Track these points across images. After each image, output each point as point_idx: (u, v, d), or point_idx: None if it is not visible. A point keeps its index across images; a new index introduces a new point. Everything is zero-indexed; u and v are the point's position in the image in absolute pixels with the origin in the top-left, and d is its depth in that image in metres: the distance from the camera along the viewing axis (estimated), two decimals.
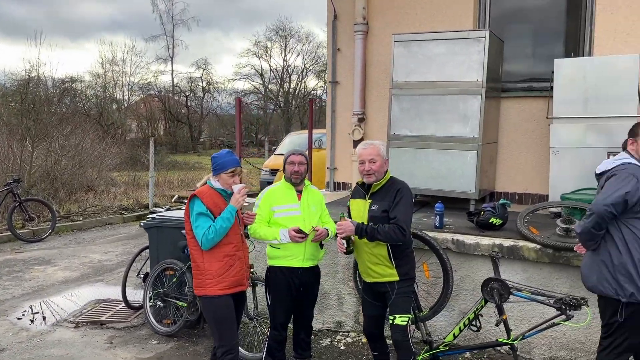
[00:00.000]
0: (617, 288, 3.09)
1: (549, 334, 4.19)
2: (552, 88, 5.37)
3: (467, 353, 4.41)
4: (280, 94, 38.73)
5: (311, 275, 4.01)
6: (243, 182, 3.68)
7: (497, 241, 4.40)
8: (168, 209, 5.83)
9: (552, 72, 5.32)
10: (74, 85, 28.44)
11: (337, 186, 7.26)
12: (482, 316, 3.97)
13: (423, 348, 4.09)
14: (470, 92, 5.34)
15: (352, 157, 6.85)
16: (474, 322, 3.94)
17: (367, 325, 3.89)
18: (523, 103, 6.06)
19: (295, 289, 3.92)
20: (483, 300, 3.88)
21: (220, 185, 3.53)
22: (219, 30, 57.29)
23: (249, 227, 3.88)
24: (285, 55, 38.08)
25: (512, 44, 6.24)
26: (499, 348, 4.33)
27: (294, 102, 36.86)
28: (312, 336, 4.76)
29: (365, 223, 3.60)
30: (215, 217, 3.43)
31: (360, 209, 3.69)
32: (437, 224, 4.78)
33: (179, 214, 5.23)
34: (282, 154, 5.57)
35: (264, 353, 4.04)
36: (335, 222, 3.71)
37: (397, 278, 3.61)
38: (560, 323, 3.60)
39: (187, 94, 37.75)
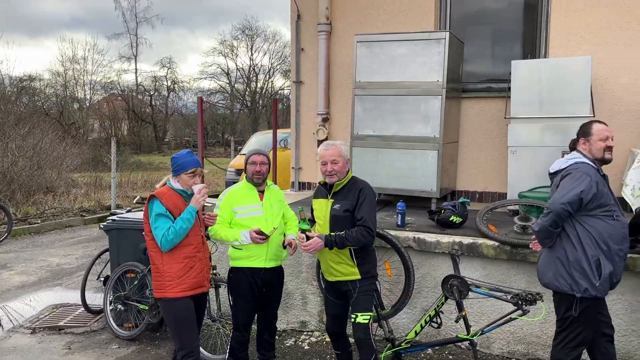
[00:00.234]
0: (572, 284, 3.19)
1: (507, 328, 4.29)
2: (510, 89, 5.51)
3: (429, 349, 4.48)
4: (247, 93, 38.47)
5: (274, 276, 4.00)
6: (205, 182, 3.65)
7: (457, 239, 4.49)
8: (129, 211, 5.73)
9: (510, 73, 5.46)
10: (33, 83, 27.62)
11: (302, 186, 7.26)
12: (442, 313, 4.03)
13: (386, 345, 4.13)
14: (431, 92, 5.43)
15: (316, 157, 6.81)
16: (434, 319, 4.00)
17: (330, 324, 3.91)
18: (483, 103, 6.19)
19: (258, 290, 3.90)
20: (443, 297, 3.95)
21: (180, 186, 3.49)
22: (184, 29, 56.55)
23: (209, 228, 3.85)
24: (252, 55, 37.89)
25: (472, 46, 6.37)
26: (459, 344, 4.42)
27: (260, 102, 36.69)
28: (276, 336, 4.75)
29: (328, 222, 3.62)
30: (175, 218, 3.38)
31: (323, 209, 3.71)
32: (399, 223, 4.84)
33: (140, 215, 5.14)
34: None
35: (227, 354, 4.01)
36: (300, 229, 3.68)
37: (359, 276, 3.64)
38: (517, 318, 3.69)
39: (152, 93, 37.13)
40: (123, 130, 33.48)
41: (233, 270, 3.95)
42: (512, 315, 3.70)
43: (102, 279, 5.42)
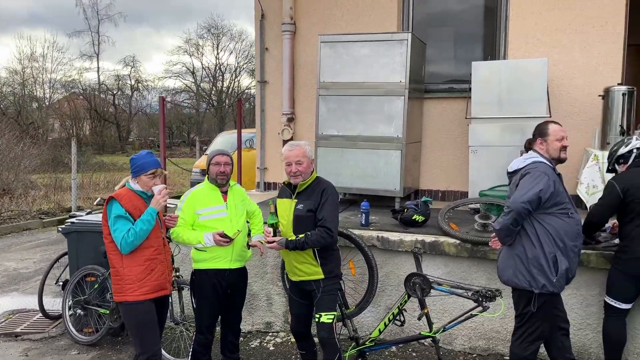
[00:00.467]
0: (531, 280, 3.27)
1: (469, 325, 4.38)
2: (470, 89, 5.61)
3: (393, 347, 4.52)
4: (213, 92, 38.05)
5: (239, 277, 3.97)
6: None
7: (420, 237, 4.55)
8: (89, 213, 5.60)
9: (471, 74, 5.57)
10: None
11: (268, 186, 7.24)
12: (405, 311, 4.08)
13: (350, 344, 4.16)
14: (394, 93, 5.48)
15: (282, 157, 6.82)
16: (398, 317, 4.04)
17: (295, 324, 3.90)
18: (445, 104, 6.30)
19: (222, 291, 3.87)
20: (406, 295, 3.99)
21: (140, 188, 3.43)
22: (148, 27, 55.51)
23: (171, 231, 3.79)
24: (218, 54, 37.53)
25: (434, 47, 6.47)
26: (422, 341, 4.48)
27: (227, 101, 36.35)
28: (241, 338, 4.72)
29: (291, 222, 3.62)
30: (135, 220, 3.32)
31: (287, 209, 3.70)
32: (363, 222, 4.87)
33: (101, 217, 5.02)
34: None
35: (189, 357, 3.96)
36: (269, 224, 3.68)
37: (323, 276, 3.65)
38: (478, 314, 3.77)
39: (115, 92, 36.30)
40: (85, 130, 32.63)
41: (196, 273, 3.90)
42: (473, 312, 3.76)
43: (61, 283, 5.27)
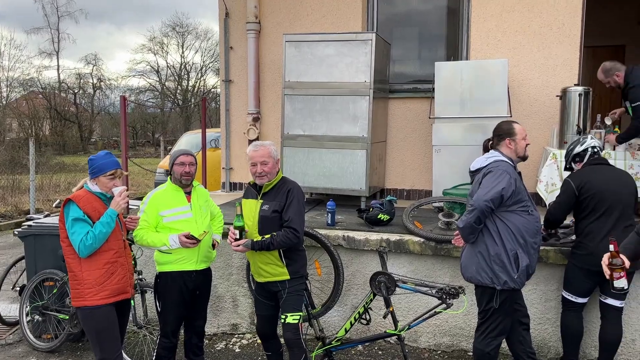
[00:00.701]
0: (493, 277, 3.33)
1: (433, 322, 4.44)
2: (434, 89, 5.69)
3: (359, 346, 4.55)
4: (178, 91, 37.50)
5: (204, 278, 3.93)
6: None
7: (385, 236, 4.58)
8: (47, 215, 5.44)
9: (434, 75, 5.64)
10: None
11: (233, 186, 7.17)
12: (371, 309, 4.11)
13: (316, 344, 4.16)
14: (359, 93, 5.51)
15: (247, 157, 6.79)
16: (364, 316, 4.06)
17: (260, 326, 3.87)
18: (409, 104, 6.37)
19: (188, 294, 3.81)
20: (372, 294, 4.02)
21: (99, 189, 3.34)
22: (110, 24, 54.33)
23: (134, 233, 3.71)
24: (183, 52, 37.04)
25: (398, 47, 6.54)
26: (388, 339, 4.51)
27: (192, 100, 35.88)
28: (206, 340, 4.67)
29: (257, 223, 3.59)
30: (94, 223, 3.23)
31: (252, 209, 3.67)
32: (329, 222, 4.88)
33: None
34: None
35: None
36: (235, 226, 3.65)
37: (288, 277, 3.63)
38: (442, 312, 3.82)
39: (76, 91, 35.36)
40: (45, 130, 31.67)
41: (161, 275, 3.83)
42: (437, 309, 3.82)
43: (18, 288, 5.09)
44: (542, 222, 3.62)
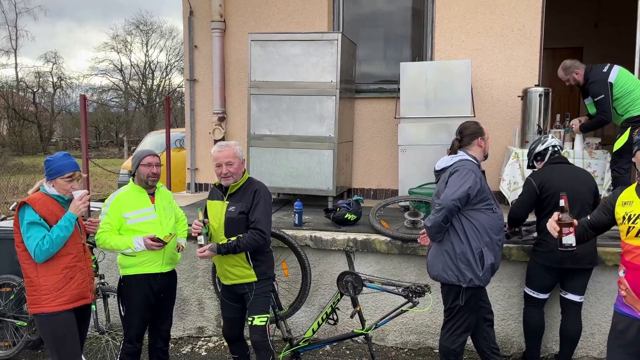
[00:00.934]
0: (459, 275, 3.36)
1: (400, 320, 4.47)
2: (399, 90, 5.74)
3: (327, 346, 4.54)
4: (142, 91, 36.79)
5: (169, 280, 3.86)
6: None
7: (352, 236, 4.59)
8: (4, 219, 5.24)
9: (400, 75, 5.69)
10: None
11: (199, 187, 7.07)
12: (339, 309, 4.11)
13: (284, 346, 4.14)
14: (325, 92, 5.51)
15: (212, 158, 6.71)
16: (331, 316, 4.06)
17: (227, 328, 3.83)
18: (375, 104, 6.41)
19: (153, 297, 3.73)
20: (339, 294, 4.02)
21: (56, 191, 3.22)
22: (70, 21, 52.88)
23: (96, 237, 3.61)
24: (147, 51, 36.33)
25: (364, 47, 6.57)
26: (355, 338, 4.52)
27: (157, 100, 35.26)
28: (171, 344, 4.59)
29: (223, 225, 3.54)
30: (51, 226, 3.12)
31: (218, 211, 3.62)
32: (296, 222, 4.86)
33: None
34: None
35: None
36: (196, 223, 3.59)
37: (255, 279, 3.60)
38: (408, 310, 3.86)
39: (35, 90, 34.28)
40: (2, 130, 30.58)
41: (125, 279, 3.73)
42: (404, 308, 3.85)
43: None
44: (505, 220, 3.68)
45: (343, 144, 5.85)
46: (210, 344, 4.78)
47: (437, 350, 4.27)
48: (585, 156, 5.11)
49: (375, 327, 3.97)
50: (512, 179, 5.18)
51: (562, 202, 2.81)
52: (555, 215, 2.79)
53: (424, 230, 3.58)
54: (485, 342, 3.69)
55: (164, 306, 3.85)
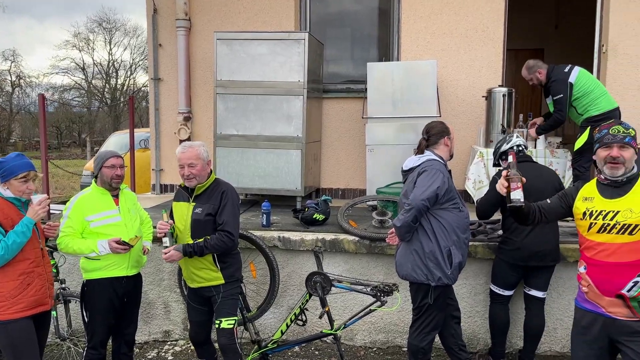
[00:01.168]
0: (428, 274, 3.38)
1: (368, 319, 4.48)
2: (366, 90, 5.76)
3: (296, 347, 4.52)
4: (106, 90, 35.96)
5: (135, 284, 3.77)
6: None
7: (321, 236, 4.58)
8: None
9: (367, 75, 5.71)
10: None
11: (164, 188, 6.94)
12: (307, 310, 4.09)
13: (252, 348, 4.09)
14: (293, 92, 5.49)
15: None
16: (300, 317, 4.05)
17: (194, 332, 3.77)
18: (343, 103, 6.42)
19: (118, 301, 3.64)
20: (308, 295, 4.01)
21: (11, 194, 3.10)
22: (30, 18, 51.23)
23: (58, 241, 3.50)
24: (111, 49, 35.54)
25: (332, 47, 6.57)
26: (324, 339, 4.51)
27: (122, 99, 34.53)
28: (136, 349, 4.49)
29: (189, 227, 3.48)
30: (6, 231, 3.00)
31: (184, 213, 3.55)
32: (264, 223, 4.82)
33: None
34: None
35: None
36: (161, 224, 3.52)
37: (223, 281, 3.56)
38: (377, 309, 3.87)
39: None
40: None
41: (88, 284, 3.62)
42: (372, 307, 3.86)
43: None
44: (471, 219, 3.72)
45: (311, 143, 5.84)
46: (177, 348, 4.70)
47: (406, 349, 4.30)
48: (547, 155, 5.23)
49: (344, 327, 3.97)
50: (477, 177, 5.26)
51: (510, 159, 2.88)
52: (504, 172, 2.85)
53: (392, 230, 3.60)
54: (452, 339, 3.73)
55: (128, 310, 3.77)
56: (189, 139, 6.55)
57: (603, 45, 5.85)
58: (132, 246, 3.51)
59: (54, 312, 4.03)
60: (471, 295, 4.46)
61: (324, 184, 6.53)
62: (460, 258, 3.42)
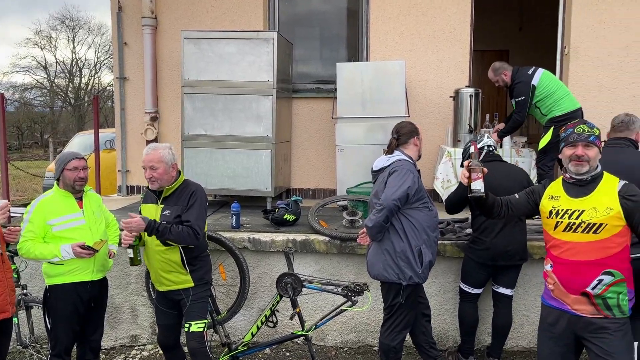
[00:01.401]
0: (399, 273, 3.40)
1: (339, 319, 4.48)
2: (336, 90, 5.76)
3: (267, 349, 4.48)
4: (69, 89, 35.03)
5: (100, 288, 3.68)
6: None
7: (291, 236, 4.56)
8: None
9: (336, 75, 5.71)
10: None
11: (131, 190, 6.80)
12: (278, 311, 4.07)
13: (223, 351, 4.04)
14: (262, 92, 5.44)
15: None
16: (270, 319, 4.02)
17: (162, 336, 3.70)
18: (313, 103, 6.41)
19: (82, 306, 3.54)
20: (278, 296, 3.98)
21: None
22: None
23: (18, 246, 3.38)
24: (74, 47, 34.63)
25: (301, 47, 6.55)
26: (296, 340, 4.50)
27: (86, 99, 33.71)
28: (102, 355, 4.39)
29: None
30: None
31: (152, 215, 3.48)
32: (234, 224, 4.76)
33: None
34: None
35: None
36: (126, 235, 3.43)
37: (192, 284, 3.51)
38: (347, 309, 3.87)
39: None
40: None
41: (52, 289, 3.52)
42: (343, 307, 3.86)
43: None
44: (440, 218, 3.76)
45: (281, 144, 5.80)
46: (145, 353, 4.60)
47: (377, 348, 4.32)
48: (513, 154, 5.34)
49: (315, 328, 3.97)
50: (445, 177, 5.33)
51: (471, 149, 2.93)
52: (466, 162, 2.91)
53: (363, 230, 3.60)
54: (423, 337, 3.76)
55: (94, 316, 3.68)
56: (156, 140, 6.43)
57: (565, 47, 6.00)
58: (97, 250, 3.43)
59: (15, 319, 3.89)
60: (440, 294, 4.51)
61: (295, 184, 6.51)
62: (430, 257, 3.46)
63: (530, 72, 5.00)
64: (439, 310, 4.50)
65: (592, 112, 5.47)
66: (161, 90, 6.57)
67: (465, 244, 4.15)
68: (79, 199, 3.58)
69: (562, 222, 2.69)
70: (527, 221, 3.96)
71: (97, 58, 34.48)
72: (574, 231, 2.64)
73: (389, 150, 3.60)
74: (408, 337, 3.72)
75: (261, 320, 4.01)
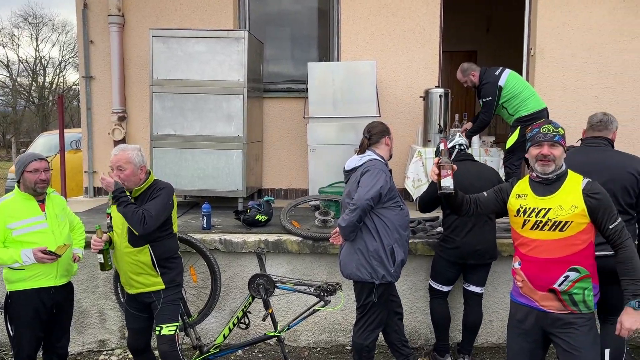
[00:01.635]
0: (372, 272, 3.41)
1: (312, 320, 4.48)
2: (307, 89, 5.75)
3: (239, 351, 4.44)
4: (33, 88, 34.06)
5: (65, 293, 3.59)
6: None
7: (263, 237, 4.53)
8: None
9: (308, 75, 5.70)
10: None
11: (98, 191, 6.64)
12: (250, 313, 4.04)
13: (194, 354, 3.99)
14: (233, 91, 5.39)
15: None
16: (242, 320, 3.98)
17: (132, 339, 3.63)
18: (284, 103, 6.39)
19: (46, 312, 3.44)
20: (250, 297, 3.95)
21: None
22: None
23: None
24: (38, 45, 33.75)
25: (272, 47, 6.52)
26: (268, 341, 4.47)
27: (50, 98, 32.82)
28: None
29: (126, 230, 3.35)
30: None
31: (121, 216, 3.40)
32: (204, 225, 4.70)
33: None
34: None
35: None
36: (95, 240, 3.35)
37: (163, 286, 3.46)
38: (320, 309, 3.87)
39: None
40: None
41: (13, 295, 3.41)
42: (316, 307, 3.86)
43: None
44: (410, 217, 3.79)
45: (252, 143, 5.76)
46: (114, 357, 4.50)
47: (350, 347, 4.34)
48: (482, 154, 5.43)
49: (288, 328, 3.95)
50: (416, 176, 5.38)
51: (441, 146, 2.96)
52: (435, 159, 2.94)
53: (336, 230, 3.60)
54: (396, 336, 3.78)
55: (59, 322, 3.59)
56: (124, 140, 6.31)
57: (531, 49, 6.13)
58: (59, 255, 3.34)
59: None
60: (412, 292, 4.55)
61: (266, 184, 6.47)
62: (402, 255, 3.48)
63: (497, 73, 5.09)
64: (411, 309, 4.54)
65: (557, 112, 5.62)
66: (129, 90, 6.44)
67: (436, 243, 4.20)
68: (41, 202, 3.48)
69: (529, 220, 2.74)
70: (496, 219, 4.03)
71: (62, 56, 33.64)
72: (541, 229, 2.69)
73: (361, 150, 3.60)
74: (381, 336, 3.74)
75: (233, 322, 3.97)
